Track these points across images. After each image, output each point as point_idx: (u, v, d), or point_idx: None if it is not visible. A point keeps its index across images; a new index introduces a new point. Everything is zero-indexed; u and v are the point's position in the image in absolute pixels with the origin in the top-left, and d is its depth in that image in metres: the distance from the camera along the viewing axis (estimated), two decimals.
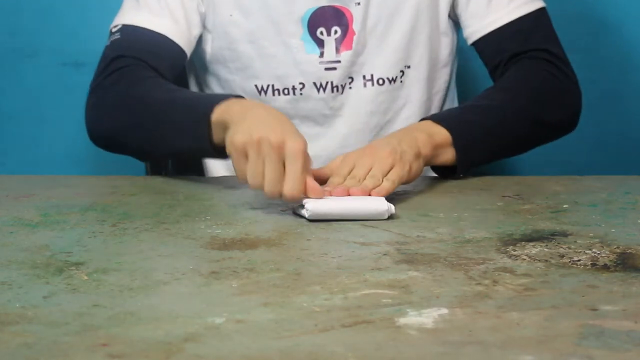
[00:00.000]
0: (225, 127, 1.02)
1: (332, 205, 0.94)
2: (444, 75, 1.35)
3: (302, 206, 0.94)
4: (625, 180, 1.17)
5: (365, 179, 1.00)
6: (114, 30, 1.24)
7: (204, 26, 1.28)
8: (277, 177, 0.94)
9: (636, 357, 0.56)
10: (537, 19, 1.29)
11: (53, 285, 0.71)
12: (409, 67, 1.30)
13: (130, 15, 1.24)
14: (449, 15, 1.32)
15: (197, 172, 1.40)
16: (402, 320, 0.62)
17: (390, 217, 0.94)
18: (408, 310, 0.65)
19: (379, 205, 0.94)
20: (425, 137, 1.10)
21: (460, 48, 1.40)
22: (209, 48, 1.30)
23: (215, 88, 1.33)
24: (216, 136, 1.05)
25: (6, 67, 1.77)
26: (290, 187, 0.93)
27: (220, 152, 1.05)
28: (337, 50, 1.27)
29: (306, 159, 0.95)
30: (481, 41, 1.29)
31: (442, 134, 1.12)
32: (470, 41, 1.31)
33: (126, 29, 1.23)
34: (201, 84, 1.36)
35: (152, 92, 1.15)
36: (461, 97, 1.42)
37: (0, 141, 1.79)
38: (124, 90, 1.18)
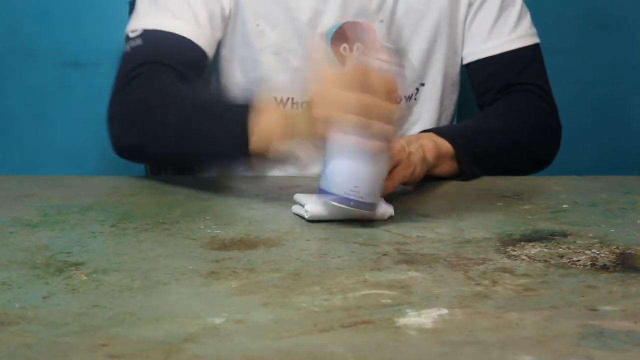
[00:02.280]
0: (267, 150, 0.99)
1: (331, 207, 0.94)
2: (453, 93, 1.36)
3: (302, 206, 0.94)
4: (625, 180, 1.17)
5: None
6: (132, 35, 1.20)
7: (226, 30, 1.28)
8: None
9: (636, 357, 0.56)
10: (533, 53, 1.32)
11: (53, 286, 0.71)
12: (423, 84, 1.32)
13: (150, 19, 1.21)
14: None
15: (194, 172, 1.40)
16: (402, 321, 0.63)
17: (390, 217, 0.94)
18: (408, 310, 0.65)
19: (378, 205, 0.94)
20: (431, 145, 1.11)
21: None
22: (229, 54, 1.29)
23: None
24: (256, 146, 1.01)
25: (6, 67, 1.77)
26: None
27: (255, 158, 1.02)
28: None
29: None
30: (476, 64, 1.32)
31: (445, 145, 1.13)
32: (465, 61, 1.33)
33: (148, 35, 1.19)
34: (212, 85, 1.35)
35: (178, 101, 1.12)
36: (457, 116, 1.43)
37: (0, 141, 1.79)
38: (147, 98, 1.14)
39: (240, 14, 1.26)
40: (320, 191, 0.92)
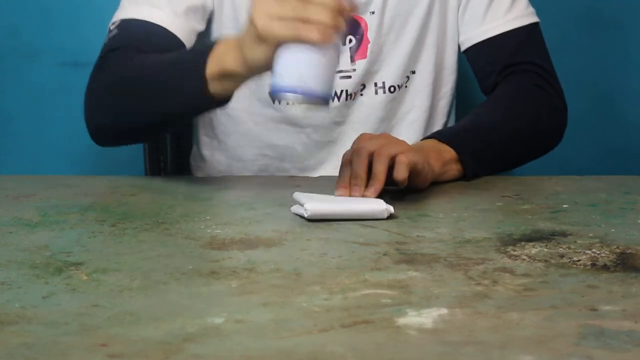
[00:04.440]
0: (223, 75, 1.00)
1: (331, 206, 0.94)
2: (449, 82, 1.35)
3: (301, 206, 0.94)
4: (625, 180, 1.17)
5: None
6: (112, 27, 1.23)
7: (211, 25, 1.28)
8: None
9: (636, 357, 0.56)
10: (531, 32, 1.31)
11: (52, 286, 0.71)
12: (414, 72, 1.31)
13: (128, 10, 1.23)
14: None
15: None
16: (402, 321, 0.62)
17: (390, 217, 0.94)
18: (408, 310, 0.65)
19: (378, 205, 0.94)
20: (435, 154, 1.11)
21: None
22: None
23: None
24: (213, 88, 1.02)
25: (6, 67, 1.77)
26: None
27: (219, 102, 1.05)
28: (352, 59, 1.28)
29: None
30: (474, 49, 1.31)
31: (449, 151, 1.13)
32: (463, 47, 1.32)
33: (123, 24, 1.21)
34: None
35: (142, 67, 1.13)
36: (457, 104, 1.42)
37: (0, 141, 1.79)
38: (114, 73, 1.16)
39: (225, 10, 1.26)
40: (272, 91, 0.93)
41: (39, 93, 1.76)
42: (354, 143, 1.05)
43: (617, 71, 1.81)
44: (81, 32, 1.72)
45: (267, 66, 0.95)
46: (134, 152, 1.51)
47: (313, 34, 0.90)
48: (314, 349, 0.57)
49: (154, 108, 1.11)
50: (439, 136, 1.16)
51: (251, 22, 0.94)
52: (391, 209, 0.94)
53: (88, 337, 0.60)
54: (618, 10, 1.79)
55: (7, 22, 1.75)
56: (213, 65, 1.00)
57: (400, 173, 0.99)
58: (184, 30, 1.23)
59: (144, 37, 1.20)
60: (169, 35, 1.21)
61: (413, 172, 1.02)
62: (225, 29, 1.26)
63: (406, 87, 1.31)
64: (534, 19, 1.31)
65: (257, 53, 0.95)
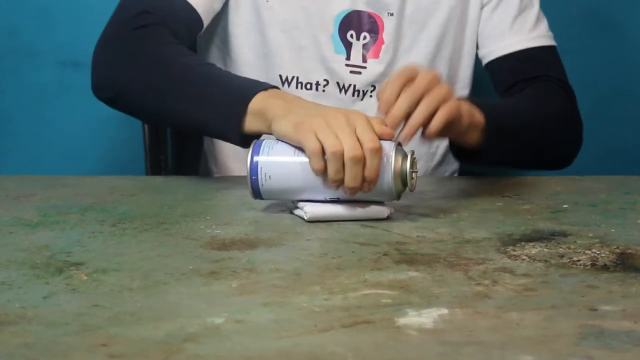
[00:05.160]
0: (263, 117, 0.99)
1: (330, 207, 0.94)
2: (463, 96, 1.35)
3: (301, 208, 0.93)
4: (625, 180, 1.18)
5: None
6: None
7: (229, 5, 1.27)
8: (356, 141, 0.90)
9: (636, 357, 0.56)
10: (553, 54, 1.33)
11: (53, 286, 0.71)
12: None
13: None
14: None
15: (194, 172, 1.40)
16: (402, 321, 0.62)
17: (390, 217, 0.94)
18: (408, 310, 0.65)
19: (378, 206, 0.94)
20: (468, 107, 1.06)
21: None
22: (237, 29, 1.29)
23: (234, 69, 1.31)
24: (247, 124, 1.02)
25: (6, 67, 1.77)
26: (369, 140, 0.90)
27: (243, 141, 1.03)
28: (364, 56, 1.27)
29: (373, 121, 0.94)
30: (496, 62, 1.31)
31: (478, 115, 1.09)
32: (485, 60, 1.33)
33: None
34: (218, 60, 1.34)
35: (185, 61, 1.11)
36: None
37: (0, 141, 1.79)
38: (152, 49, 1.13)
39: None
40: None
41: (39, 93, 1.76)
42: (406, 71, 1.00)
43: (617, 71, 1.81)
44: (81, 32, 1.72)
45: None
46: (134, 152, 1.51)
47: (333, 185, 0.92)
48: (314, 349, 0.57)
49: (180, 110, 1.09)
50: (472, 100, 1.11)
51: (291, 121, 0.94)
52: (391, 209, 0.94)
53: (88, 337, 0.60)
54: (618, 11, 1.79)
55: (7, 22, 1.75)
56: (255, 104, 1.01)
57: (434, 126, 0.97)
58: (206, 9, 1.22)
59: (169, 7, 1.18)
60: (192, 12, 1.20)
61: (447, 123, 0.99)
62: (246, 9, 1.27)
63: None
64: (554, 42, 1.34)
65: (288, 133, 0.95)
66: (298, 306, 0.66)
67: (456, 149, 1.15)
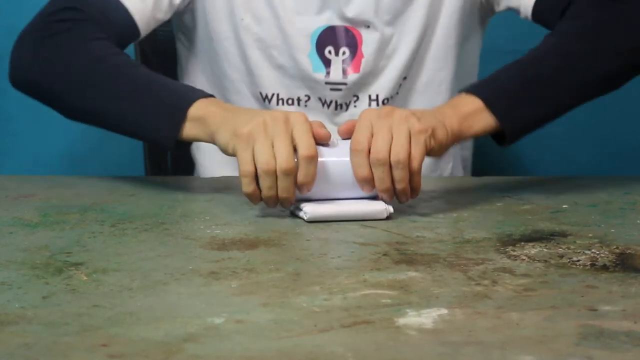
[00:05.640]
0: (203, 124, 1.00)
1: (330, 207, 0.94)
2: (445, 82, 1.32)
3: (301, 209, 0.94)
4: (625, 180, 1.17)
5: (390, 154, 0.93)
6: None
7: (193, 22, 1.27)
8: (290, 152, 0.92)
9: (636, 357, 0.56)
10: None
11: (52, 286, 0.71)
12: (405, 78, 1.28)
13: None
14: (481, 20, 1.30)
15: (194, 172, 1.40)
16: (402, 321, 0.63)
17: (390, 217, 0.94)
18: (407, 310, 0.65)
19: (377, 205, 0.94)
20: (451, 110, 1.02)
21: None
22: (217, 47, 1.28)
23: (214, 86, 1.31)
24: (186, 130, 1.02)
25: (6, 67, 1.77)
26: (304, 147, 0.92)
27: (177, 146, 1.04)
28: (345, 71, 1.25)
29: (311, 125, 0.94)
30: (537, 10, 1.21)
31: (469, 102, 1.03)
32: (529, 18, 1.22)
33: None
34: (195, 77, 1.34)
35: (115, 59, 1.10)
36: None
37: (0, 141, 1.79)
38: (78, 44, 1.11)
39: (206, 7, 1.25)
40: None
41: None
42: (360, 118, 0.97)
43: None
44: None
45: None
46: (134, 152, 1.50)
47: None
48: (314, 349, 0.58)
49: (111, 111, 1.08)
50: (461, 90, 1.07)
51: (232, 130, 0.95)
52: (390, 209, 0.94)
53: (88, 338, 0.60)
54: None
55: (7, 22, 1.75)
56: (195, 111, 1.01)
57: (415, 165, 0.93)
58: (145, 18, 1.19)
59: (102, 8, 1.15)
60: (127, 18, 1.17)
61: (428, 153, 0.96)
62: (223, 26, 1.26)
63: (397, 93, 1.29)
64: None
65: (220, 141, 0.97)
66: (298, 306, 0.66)
67: (497, 139, 1.08)
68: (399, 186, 0.94)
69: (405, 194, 0.94)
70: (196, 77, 1.34)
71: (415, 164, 0.93)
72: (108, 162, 1.70)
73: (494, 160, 1.70)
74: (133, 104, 1.05)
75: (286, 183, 0.92)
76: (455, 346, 0.58)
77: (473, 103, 1.03)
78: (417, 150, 0.93)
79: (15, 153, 1.79)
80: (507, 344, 0.58)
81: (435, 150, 0.97)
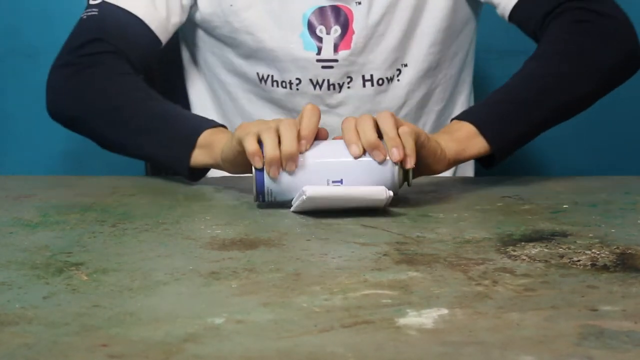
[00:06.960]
0: (210, 149, 1.07)
1: (330, 189, 0.94)
2: (460, 74, 1.34)
3: (301, 195, 0.93)
4: (625, 180, 1.17)
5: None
6: (92, 2, 1.24)
7: (195, 17, 1.29)
8: (294, 137, 0.95)
9: (636, 357, 0.56)
10: None
11: (53, 286, 0.71)
12: (405, 65, 1.30)
13: None
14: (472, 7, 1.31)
15: None
16: (402, 321, 0.62)
17: (390, 216, 0.94)
18: (408, 310, 0.65)
19: (378, 190, 0.94)
20: (447, 135, 1.06)
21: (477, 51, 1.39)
22: (215, 33, 1.31)
23: (220, 69, 1.34)
24: (195, 157, 1.09)
25: (6, 67, 1.77)
26: (305, 127, 0.97)
27: (192, 174, 1.12)
28: (336, 48, 1.27)
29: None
30: (515, 12, 1.23)
31: (463, 128, 1.07)
32: (506, 17, 1.24)
33: (105, 7, 1.23)
34: (202, 62, 1.37)
35: (136, 95, 1.17)
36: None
37: (0, 141, 1.79)
38: (104, 80, 1.19)
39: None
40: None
41: (39, 93, 1.75)
42: (344, 122, 1.00)
43: None
44: None
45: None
46: None
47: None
48: (314, 349, 0.57)
49: (130, 140, 1.16)
50: (453, 118, 1.10)
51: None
52: (390, 193, 0.94)
53: (88, 338, 0.60)
54: None
55: (7, 22, 1.75)
56: (203, 138, 1.09)
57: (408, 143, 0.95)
58: (162, 24, 1.25)
59: (122, 31, 1.22)
60: (146, 31, 1.24)
61: (420, 148, 0.98)
62: (213, 15, 1.28)
63: (398, 80, 1.30)
64: None
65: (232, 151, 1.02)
66: (298, 306, 0.66)
67: (484, 163, 1.12)
68: (390, 134, 0.95)
69: (397, 146, 0.95)
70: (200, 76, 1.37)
71: (401, 122, 0.97)
72: (108, 162, 1.70)
73: None
74: (152, 137, 1.13)
75: (290, 134, 0.95)
76: (455, 346, 0.58)
77: (467, 129, 1.07)
78: (404, 125, 0.97)
79: (15, 153, 1.79)
80: (507, 344, 0.58)
81: (427, 148, 0.99)
